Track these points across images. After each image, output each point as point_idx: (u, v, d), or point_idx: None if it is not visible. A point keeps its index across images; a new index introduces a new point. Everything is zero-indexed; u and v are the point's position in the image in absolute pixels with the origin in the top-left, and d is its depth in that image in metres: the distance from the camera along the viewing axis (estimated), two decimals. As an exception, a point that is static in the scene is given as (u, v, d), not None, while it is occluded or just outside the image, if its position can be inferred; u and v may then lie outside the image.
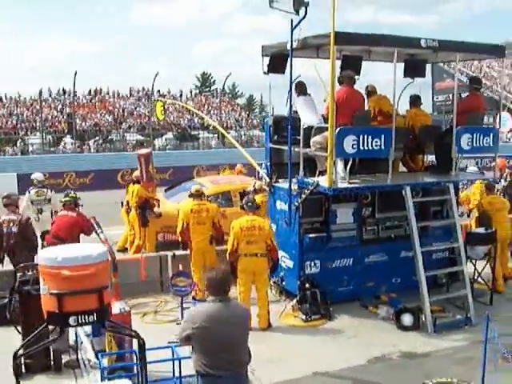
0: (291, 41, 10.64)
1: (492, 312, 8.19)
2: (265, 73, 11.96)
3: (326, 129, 10.45)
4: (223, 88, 51.60)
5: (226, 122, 52.10)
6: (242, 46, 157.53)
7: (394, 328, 10.58)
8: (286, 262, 11.56)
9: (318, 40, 10.57)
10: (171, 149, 44.65)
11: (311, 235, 11.37)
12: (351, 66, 11.36)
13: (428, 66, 12.87)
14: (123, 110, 50.61)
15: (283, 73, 11.88)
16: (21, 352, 5.45)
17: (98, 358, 8.50)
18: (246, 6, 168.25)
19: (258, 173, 14.50)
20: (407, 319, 10.56)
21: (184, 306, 10.19)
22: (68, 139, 45.78)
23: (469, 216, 13.75)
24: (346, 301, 11.54)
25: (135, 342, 8.09)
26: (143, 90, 54.00)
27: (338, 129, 10.02)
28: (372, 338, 10.16)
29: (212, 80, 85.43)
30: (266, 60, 12.02)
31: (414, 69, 11.94)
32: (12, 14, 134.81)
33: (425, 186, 11.80)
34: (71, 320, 5.12)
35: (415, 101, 12.71)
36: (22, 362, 8.71)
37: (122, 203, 16.50)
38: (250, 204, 10.95)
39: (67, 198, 12.11)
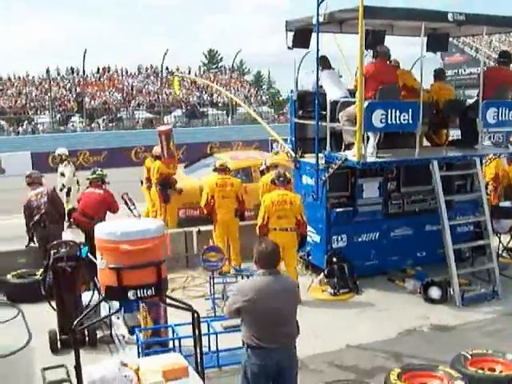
0: (317, 15, 10.61)
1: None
2: (289, 47, 11.94)
3: (353, 103, 10.51)
4: (233, 65, 51.47)
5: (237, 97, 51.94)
6: (246, 23, 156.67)
7: (421, 301, 10.65)
8: (312, 236, 11.62)
9: (345, 14, 10.55)
10: (181, 126, 44.64)
11: (338, 209, 11.44)
12: (375, 40, 11.32)
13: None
14: (132, 88, 50.43)
15: (307, 47, 11.89)
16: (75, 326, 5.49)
17: (132, 334, 8.64)
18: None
19: (272, 149, 14.54)
20: (435, 292, 10.62)
21: (218, 280, 10.29)
22: (76, 118, 45.83)
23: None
24: (372, 275, 11.65)
25: (171, 317, 8.28)
26: (151, 68, 53.79)
27: (366, 103, 10.03)
28: (401, 311, 10.23)
29: (219, 57, 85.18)
30: (290, 35, 11.99)
31: (436, 43, 11.92)
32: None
33: (452, 160, 11.81)
34: (130, 294, 5.16)
35: (439, 74, 12.69)
36: (58, 337, 8.83)
37: (142, 181, 16.56)
38: (281, 179, 10.89)
39: (94, 176, 12.17)
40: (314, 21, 10.76)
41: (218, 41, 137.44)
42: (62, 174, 16.40)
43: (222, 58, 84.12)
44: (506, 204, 12.37)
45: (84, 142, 35.14)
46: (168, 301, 5.50)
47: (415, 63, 12.03)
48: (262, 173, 14.69)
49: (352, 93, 11.28)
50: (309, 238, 11.51)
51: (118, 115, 47.65)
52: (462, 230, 12.26)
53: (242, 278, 10.01)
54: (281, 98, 71.02)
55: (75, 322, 5.34)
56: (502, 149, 12.40)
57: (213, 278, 10.10)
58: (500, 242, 12.06)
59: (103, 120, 45.76)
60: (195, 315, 5.62)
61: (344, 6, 10.59)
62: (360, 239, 11.72)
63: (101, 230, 5.35)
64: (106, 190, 12.23)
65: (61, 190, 15.56)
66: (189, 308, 5.66)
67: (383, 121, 10.18)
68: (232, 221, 12.09)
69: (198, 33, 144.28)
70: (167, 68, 52.00)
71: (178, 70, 53.40)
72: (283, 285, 5.65)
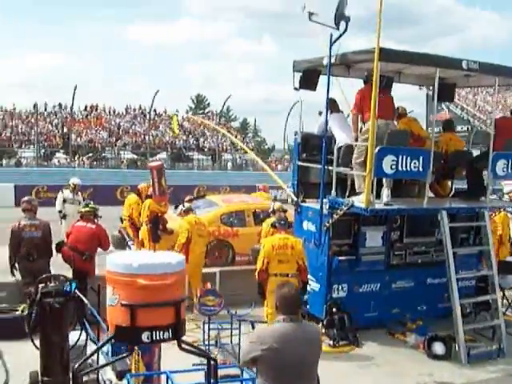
0: (329, 55, 10.34)
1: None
2: (296, 89, 11.67)
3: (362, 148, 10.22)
4: (222, 110, 51.44)
5: (222, 144, 51.88)
6: (234, 70, 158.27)
7: (424, 357, 10.18)
8: (311, 284, 11.12)
9: (358, 56, 10.28)
10: (166, 168, 44.17)
11: (341, 257, 11.03)
12: (384, 86, 11.08)
13: (424, 97, 12.78)
14: (119, 128, 50.13)
15: (314, 89, 11.71)
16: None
17: (120, 379, 8.04)
18: (241, 30, 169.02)
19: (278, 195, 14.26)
20: (439, 348, 10.17)
21: (211, 326, 9.75)
22: (61, 154, 45.38)
23: None
24: (371, 327, 11.18)
25: (164, 363, 7.71)
26: (139, 109, 53.60)
27: (377, 148, 9.70)
28: (404, 367, 9.74)
29: (207, 102, 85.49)
30: (297, 76, 11.73)
31: (444, 92, 11.70)
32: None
33: (460, 211, 11.47)
34: (144, 336, 4.61)
35: (450, 125, 12.49)
36: (40, 380, 8.21)
37: (121, 219, 16.14)
38: (282, 222, 10.50)
39: (87, 209, 11.69)
40: (325, 62, 10.50)
41: (205, 86, 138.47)
42: (79, 203, 16.76)
43: (209, 103, 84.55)
44: (513, 259, 12.05)
45: (69, 178, 34.48)
46: (183, 346, 4.92)
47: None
48: (255, 217, 14.31)
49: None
50: (307, 287, 11.04)
51: (103, 154, 47.27)
52: (463, 285, 11.81)
53: (240, 324, 9.50)
54: (266, 147, 71.56)
55: (76, 366, 4.79)
56: (509, 202, 12.10)
57: (209, 323, 9.58)
58: (505, 297, 11.61)
59: (88, 158, 45.34)
60: (212, 363, 5.06)
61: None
62: (361, 289, 11.32)
63: (114, 261, 4.78)
64: (98, 225, 11.75)
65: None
66: (205, 355, 5.13)
67: (393, 167, 9.86)
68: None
69: (185, 77, 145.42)
70: (155, 110, 51.90)
71: (165, 112, 53.40)
72: (307, 333, 5.13)
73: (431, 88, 11.79)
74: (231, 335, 9.82)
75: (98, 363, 8.43)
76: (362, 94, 10.36)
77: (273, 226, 10.94)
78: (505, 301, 11.48)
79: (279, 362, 4.92)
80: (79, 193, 17.70)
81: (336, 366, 9.68)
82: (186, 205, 13.32)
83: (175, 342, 4.85)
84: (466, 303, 11.10)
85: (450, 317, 10.40)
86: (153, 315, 4.61)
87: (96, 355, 8.29)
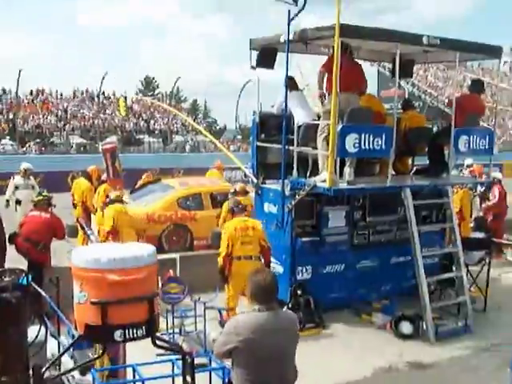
0: (288, 32, 10.09)
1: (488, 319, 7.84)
2: (252, 67, 11.40)
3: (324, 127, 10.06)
4: (172, 91, 50.90)
5: (173, 126, 51.38)
6: (183, 51, 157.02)
7: (392, 336, 10.12)
8: (275, 267, 10.95)
9: (318, 32, 10.03)
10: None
11: (304, 239, 10.88)
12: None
13: (374, 74, 12.77)
14: (66, 112, 49.16)
15: (272, 68, 11.51)
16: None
17: (83, 374, 7.76)
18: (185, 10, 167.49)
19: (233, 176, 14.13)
20: (407, 327, 10.11)
21: (174, 314, 9.53)
22: (7, 140, 44.32)
23: None
24: (337, 308, 11.08)
25: (130, 355, 7.46)
26: (87, 92, 52.66)
27: (340, 126, 9.53)
28: (372, 347, 9.64)
29: (156, 83, 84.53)
30: (254, 54, 11.46)
31: (402, 69, 11.55)
32: None
33: (423, 188, 11.38)
34: (117, 334, 4.35)
35: (409, 103, 12.51)
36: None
37: (75, 204, 15.79)
38: (240, 206, 10.59)
39: (40, 198, 11.30)
40: (283, 39, 10.26)
41: (154, 67, 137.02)
42: (33, 187, 16.34)
43: (158, 84, 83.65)
44: (478, 235, 12.02)
45: (17, 166, 33.65)
46: (158, 342, 4.67)
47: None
48: (213, 199, 14.08)
49: (319, 117, 10.87)
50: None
51: (52, 139, 46.32)
52: (427, 262, 11.68)
53: (204, 310, 9.30)
54: (217, 128, 70.89)
55: (43, 370, 4.52)
56: (470, 179, 12.09)
57: (172, 311, 9.36)
58: (470, 274, 11.61)
59: (36, 144, 44.36)
60: (188, 360, 4.83)
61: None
62: (325, 271, 11.20)
63: (80, 256, 4.48)
64: (53, 214, 11.37)
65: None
66: (181, 351, 4.90)
67: (356, 145, 9.71)
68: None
69: (134, 59, 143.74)
70: (103, 93, 51.07)
71: (114, 95, 52.56)
72: (283, 322, 4.94)
73: (382, 65, 11.66)
74: (195, 322, 9.68)
75: (60, 360, 8.14)
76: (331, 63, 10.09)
77: (230, 211, 10.86)
78: (469, 277, 11.46)
79: (256, 352, 4.75)
80: (31, 177, 17.12)
81: (303, 349, 9.39)
82: (114, 193, 12.85)
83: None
84: (431, 281, 11.05)
85: (415, 295, 10.40)
86: (125, 312, 4.38)
87: (57, 350, 8.03)
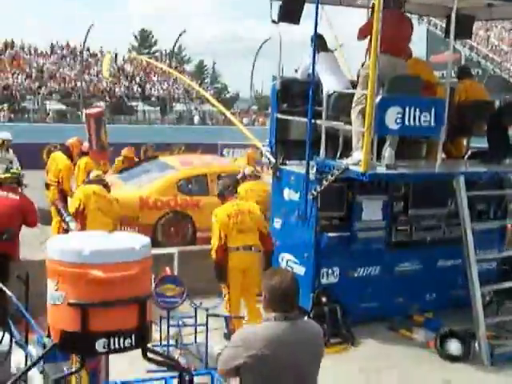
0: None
1: None
2: (273, 21, 11.43)
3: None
4: (173, 49, 50.96)
5: (173, 92, 51.53)
6: (186, 3, 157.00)
7: (437, 358, 10.16)
8: (294, 267, 11.09)
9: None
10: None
11: (331, 234, 10.94)
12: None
13: (423, 36, 12.69)
14: (42, 71, 49.38)
15: (298, 22, 11.47)
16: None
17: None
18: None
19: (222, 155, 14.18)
20: (455, 347, 10.15)
21: (170, 322, 9.63)
22: (-32, 105, 44.69)
23: None
24: (369, 320, 11.19)
25: (113, 369, 7.55)
26: (68, 48, 52.87)
27: (379, 97, 9.58)
28: (412, 370, 9.70)
29: (153, 40, 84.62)
30: (276, 5, 11.49)
31: (459, 27, 11.53)
32: None
33: (483, 176, 11.39)
34: (99, 344, 4.39)
35: (467, 71, 12.47)
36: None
37: (47, 184, 15.86)
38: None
39: (8, 175, 11.35)
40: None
41: (151, 19, 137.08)
42: (11, 162, 16.15)
43: (156, 41, 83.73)
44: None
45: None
46: (150, 355, 4.73)
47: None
48: (238, 183, 14.17)
49: (355, 84, 10.90)
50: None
51: (23, 104, 46.58)
52: (483, 268, 11.76)
53: (207, 318, 9.37)
54: (228, 96, 71.24)
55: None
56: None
57: (168, 319, 9.46)
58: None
59: (3, 109, 44.63)
60: (185, 378, 4.90)
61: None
62: (356, 274, 11.31)
63: (57, 247, 4.54)
64: (23, 195, 11.44)
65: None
66: (178, 366, 4.96)
67: (399, 121, 9.75)
68: None
69: (127, 10, 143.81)
70: (88, 49, 51.26)
71: (101, 52, 52.71)
72: (305, 334, 4.97)
73: (433, 22, 11.64)
74: (195, 333, 9.76)
75: (27, 375, 8.25)
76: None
77: (220, 195, 10.97)
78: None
79: (270, 371, 4.76)
80: (10, 150, 17.26)
81: (326, 370, 9.53)
82: (95, 173, 12.91)
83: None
84: (486, 291, 11.09)
85: (466, 308, 10.43)
86: (111, 317, 4.41)
87: (24, 362, 8.14)
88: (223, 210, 10.30)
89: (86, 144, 15.13)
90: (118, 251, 4.49)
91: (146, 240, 4.76)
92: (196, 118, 49.24)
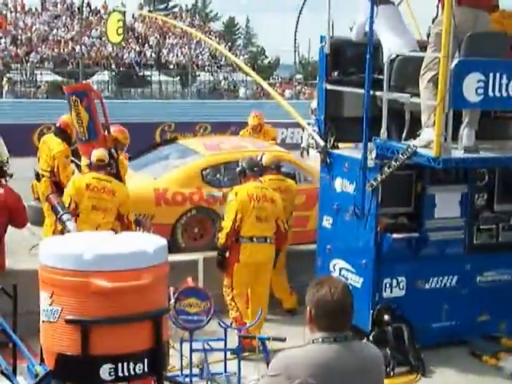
0: None
1: None
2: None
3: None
4: (195, 4, 51.15)
5: (196, 59, 51.66)
6: None
7: (531, 392, 10.24)
8: (349, 277, 11.22)
9: None
10: (110, 97, 44.08)
11: (396, 235, 10.99)
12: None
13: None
14: (30, 33, 49.78)
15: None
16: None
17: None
18: None
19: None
20: (555, 379, 10.23)
21: (194, 346, 9.75)
22: None
23: None
24: (444, 344, 11.24)
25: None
26: (63, 3, 53.22)
27: (455, 61, 9.60)
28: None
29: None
30: None
31: None
32: None
33: None
34: (104, 371, 4.50)
35: None
36: None
37: (38, 174, 15.96)
38: (256, 169, 11.39)
39: (-13, 163, 11.56)
40: None
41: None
42: None
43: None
44: None
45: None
46: None
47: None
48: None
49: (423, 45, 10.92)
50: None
51: (8, 75, 46.97)
52: None
53: (240, 341, 9.49)
54: (266, 61, 71.12)
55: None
56: None
57: (190, 341, 9.55)
58: None
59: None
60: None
61: None
62: (428, 286, 11.35)
63: (51, 251, 4.63)
64: (8, 189, 11.62)
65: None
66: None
67: (480, 92, 9.76)
68: None
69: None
70: (89, 4, 51.58)
71: (105, 8, 52.99)
72: (360, 359, 5.01)
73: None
74: (225, 359, 9.84)
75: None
76: None
77: (241, 173, 11.42)
78: None
79: (317, 405, 4.85)
80: None
81: (391, 406, 9.74)
82: (97, 154, 12.82)
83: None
84: None
85: None
86: (118, 337, 4.51)
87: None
88: (245, 190, 10.80)
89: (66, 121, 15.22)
90: (127, 256, 4.55)
91: (162, 242, 4.85)
92: (242, 91, 49.24)
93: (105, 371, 4.54)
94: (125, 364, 4.55)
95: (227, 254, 10.92)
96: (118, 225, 11.76)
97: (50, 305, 4.62)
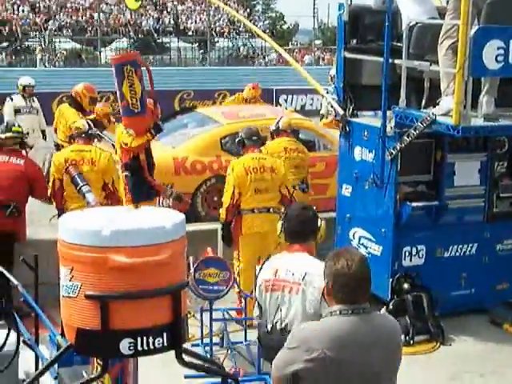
0: None
1: None
2: None
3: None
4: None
5: (215, 25, 51.50)
6: None
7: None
8: (369, 246, 11.24)
9: None
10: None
11: (415, 203, 10.98)
12: None
13: None
14: (49, 1, 49.75)
15: None
16: None
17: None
18: None
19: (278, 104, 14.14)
20: None
21: (214, 316, 9.79)
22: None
23: None
24: (464, 312, 11.28)
25: (145, 378, 7.71)
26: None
27: (474, 28, 9.54)
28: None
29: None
30: None
31: None
32: None
33: None
34: (124, 345, 4.49)
35: None
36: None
37: (57, 145, 15.73)
38: (254, 138, 11.18)
39: (9, 134, 11.52)
40: None
41: None
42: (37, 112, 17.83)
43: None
44: None
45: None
46: (186, 358, 4.83)
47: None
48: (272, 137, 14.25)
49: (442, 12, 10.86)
50: (362, 249, 11.04)
51: (27, 43, 46.95)
52: None
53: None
54: (285, 27, 70.76)
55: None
56: None
57: (210, 311, 9.59)
58: None
59: (1, 50, 45.06)
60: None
61: None
62: (447, 254, 11.35)
63: (70, 227, 4.65)
64: (29, 160, 11.65)
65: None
66: (222, 372, 5.09)
67: (501, 59, 9.70)
68: None
69: None
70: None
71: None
72: (378, 330, 5.01)
73: None
74: (245, 329, 9.90)
75: (38, 381, 8.48)
76: None
77: (240, 143, 11.37)
78: None
79: (335, 377, 4.84)
80: (35, 99, 18.10)
81: (410, 376, 9.65)
82: (78, 122, 12.80)
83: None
84: None
85: None
86: (137, 312, 4.49)
87: (34, 366, 8.38)
88: (241, 163, 10.78)
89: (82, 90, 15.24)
90: (146, 231, 4.56)
91: (180, 216, 4.85)
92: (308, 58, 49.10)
93: (124, 345, 4.53)
94: (144, 338, 4.54)
95: (231, 228, 10.93)
96: (101, 195, 11.66)
97: (70, 280, 4.62)
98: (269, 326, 6.63)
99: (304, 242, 6.75)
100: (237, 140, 11.68)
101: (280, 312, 6.55)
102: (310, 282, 6.41)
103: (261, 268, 7.07)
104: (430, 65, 10.49)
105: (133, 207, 5.44)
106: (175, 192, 12.52)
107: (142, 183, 12.28)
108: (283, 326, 6.50)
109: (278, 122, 13.62)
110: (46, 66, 42.21)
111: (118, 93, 12.54)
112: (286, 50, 52.38)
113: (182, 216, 4.86)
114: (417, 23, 10.73)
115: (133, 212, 5.13)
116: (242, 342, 9.86)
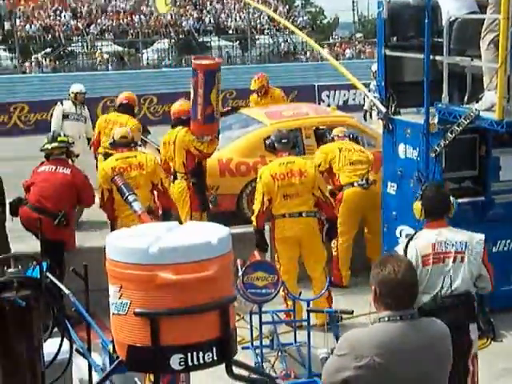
0: None
1: None
2: None
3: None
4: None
5: (255, 22, 51.48)
6: None
7: None
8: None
9: None
10: (170, 65, 44.17)
11: (461, 199, 10.89)
12: None
13: None
14: (89, 5, 50.00)
15: None
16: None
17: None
18: None
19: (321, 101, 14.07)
20: None
21: (263, 319, 9.78)
22: (2, 52, 45.33)
23: None
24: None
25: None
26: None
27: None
28: None
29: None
30: None
31: None
32: None
33: None
34: (174, 361, 4.52)
35: None
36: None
37: (107, 154, 15.50)
38: (284, 141, 11.02)
39: (56, 145, 11.60)
40: None
41: None
42: (85, 120, 18.03)
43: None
44: None
45: (19, 91, 34.64)
46: (235, 370, 4.84)
47: None
48: (319, 138, 14.19)
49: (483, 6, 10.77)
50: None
51: (70, 48, 47.21)
52: None
53: (309, 314, 9.50)
54: (325, 21, 70.52)
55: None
56: None
57: (260, 314, 9.59)
58: None
59: (45, 55, 45.28)
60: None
61: None
62: (495, 249, 11.26)
63: (117, 243, 4.65)
64: (75, 169, 11.71)
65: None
66: (271, 381, 5.10)
67: (544, 52, 9.63)
68: None
69: None
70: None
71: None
72: (427, 335, 5.01)
73: None
74: (295, 330, 9.87)
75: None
76: None
77: (268, 147, 11.36)
78: None
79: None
80: (85, 106, 18.36)
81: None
82: (120, 130, 12.54)
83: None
84: None
85: None
86: (186, 327, 4.50)
87: (87, 373, 8.42)
88: (268, 170, 10.71)
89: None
90: (192, 247, 4.56)
91: (225, 231, 4.85)
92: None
93: (175, 361, 4.54)
94: (194, 353, 4.56)
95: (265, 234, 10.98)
96: (151, 198, 11.89)
97: (119, 298, 4.65)
98: (431, 296, 7.57)
99: (442, 217, 8.14)
100: (267, 143, 11.65)
101: (444, 280, 7.63)
102: (471, 249, 7.94)
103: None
104: (472, 60, 10.43)
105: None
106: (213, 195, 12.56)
107: (204, 189, 12.53)
108: (451, 291, 7.63)
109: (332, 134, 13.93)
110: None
111: (199, 99, 12.34)
112: (326, 44, 52.61)
113: (228, 230, 4.87)
114: (457, 18, 10.67)
115: (178, 228, 5.14)
116: (292, 344, 9.84)
